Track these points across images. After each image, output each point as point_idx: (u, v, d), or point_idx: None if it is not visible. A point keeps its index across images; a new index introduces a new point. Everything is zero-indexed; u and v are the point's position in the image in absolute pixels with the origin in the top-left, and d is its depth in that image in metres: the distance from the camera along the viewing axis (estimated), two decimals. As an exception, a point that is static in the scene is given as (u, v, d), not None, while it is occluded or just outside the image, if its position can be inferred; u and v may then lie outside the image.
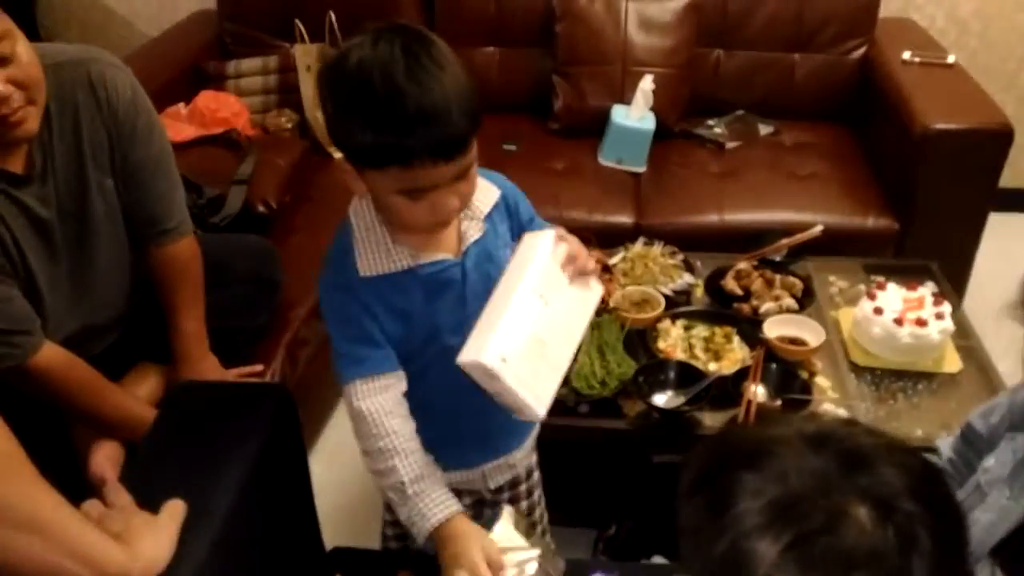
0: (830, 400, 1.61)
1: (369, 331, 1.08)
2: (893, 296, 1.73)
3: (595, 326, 1.69)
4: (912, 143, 2.22)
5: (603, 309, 1.75)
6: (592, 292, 1.15)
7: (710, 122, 2.63)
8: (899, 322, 1.66)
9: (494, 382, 1.02)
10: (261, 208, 2.12)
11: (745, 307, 1.79)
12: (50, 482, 0.91)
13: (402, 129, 0.92)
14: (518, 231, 1.18)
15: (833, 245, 2.05)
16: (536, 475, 1.41)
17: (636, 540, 1.68)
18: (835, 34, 2.61)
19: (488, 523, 1.14)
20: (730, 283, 1.85)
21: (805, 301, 1.81)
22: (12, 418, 0.95)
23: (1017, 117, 2.27)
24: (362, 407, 1.08)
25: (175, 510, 0.98)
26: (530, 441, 1.33)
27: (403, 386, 1.12)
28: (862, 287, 1.89)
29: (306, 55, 2.52)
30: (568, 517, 1.66)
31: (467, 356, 1.02)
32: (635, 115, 2.45)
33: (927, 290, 1.77)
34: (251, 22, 2.75)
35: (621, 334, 1.69)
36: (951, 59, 2.48)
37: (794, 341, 1.69)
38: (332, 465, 2.02)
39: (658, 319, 1.75)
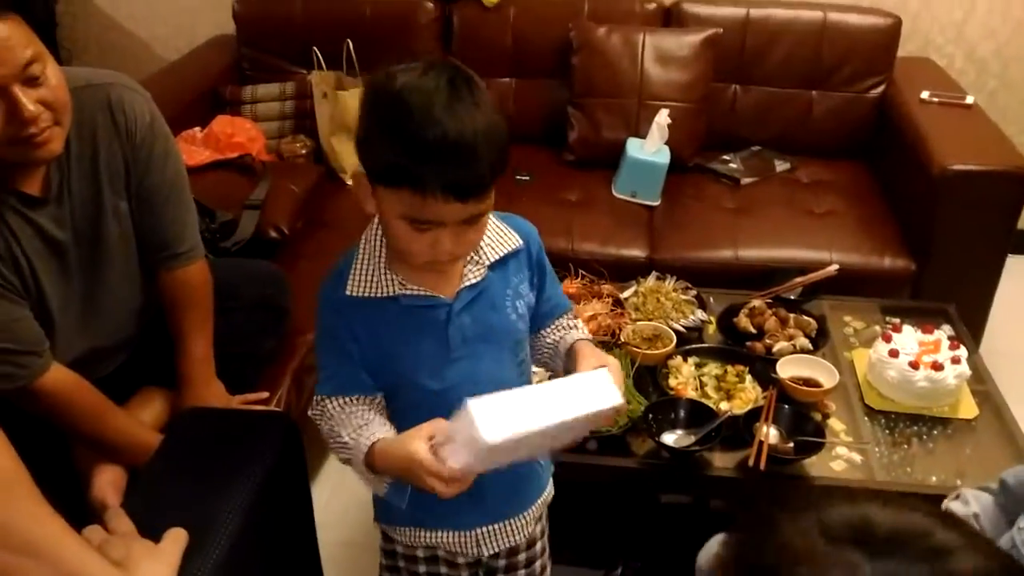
0: (843, 443, 1.59)
1: (348, 350, 1.07)
2: (909, 339, 1.71)
3: (605, 361, 1.67)
4: (930, 183, 2.21)
5: (614, 344, 1.74)
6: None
7: (725, 157, 2.63)
8: (915, 365, 1.64)
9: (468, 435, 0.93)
10: (273, 233, 2.12)
11: (758, 346, 1.77)
12: (51, 504, 0.90)
13: (425, 155, 0.92)
14: (539, 287, 1.16)
15: (849, 285, 2.04)
16: (539, 546, 1.31)
17: (643, 581, 1.65)
18: (853, 72, 2.61)
19: None
20: (743, 321, 1.84)
21: (819, 341, 1.79)
22: (14, 438, 0.94)
23: (1036, 159, 2.26)
24: (326, 406, 1.08)
25: (177, 538, 0.98)
26: (533, 510, 1.24)
27: (375, 410, 1.09)
28: (877, 328, 1.86)
29: (322, 82, 2.53)
30: (574, 556, 1.64)
31: (480, 417, 0.91)
32: (650, 148, 2.45)
33: (943, 333, 1.75)
34: (269, 48, 2.77)
35: (631, 370, 1.67)
36: (970, 100, 2.47)
37: (808, 382, 1.66)
38: (334, 495, 2.00)
39: (669, 355, 1.73)
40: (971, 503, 1.16)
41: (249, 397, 1.67)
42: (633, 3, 2.70)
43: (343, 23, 2.65)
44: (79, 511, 0.94)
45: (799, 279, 1.96)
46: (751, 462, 1.48)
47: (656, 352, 1.72)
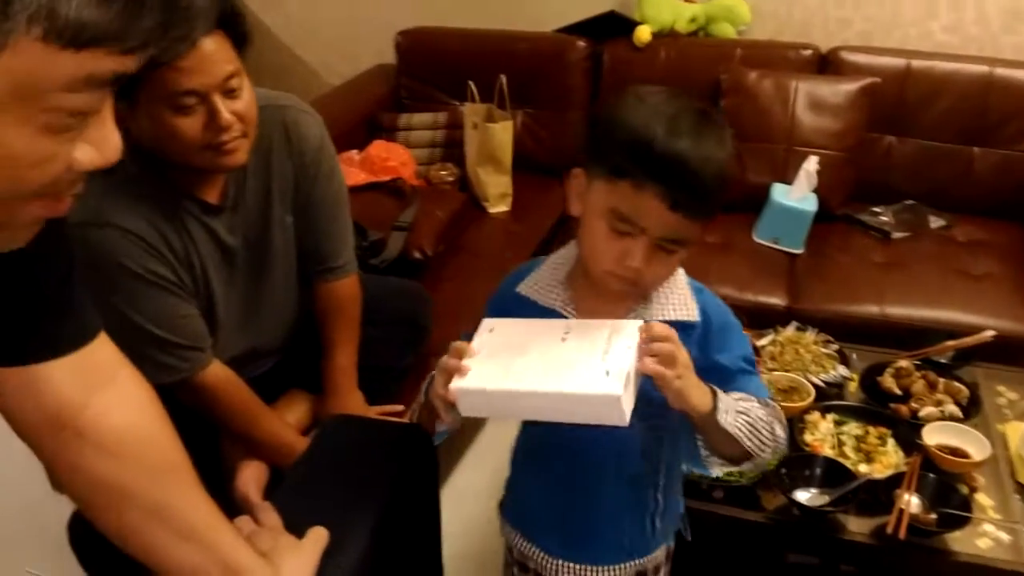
0: (991, 520, 1.49)
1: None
2: (1072, 416, 1.59)
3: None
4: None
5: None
6: None
7: (876, 209, 2.53)
8: (1078, 445, 1.52)
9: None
10: (417, 255, 2.21)
11: (903, 409, 1.69)
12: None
13: (659, 154, 0.94)
14: (707, 368, 1.04)
15: (1004, 353, 1.91)
16: None
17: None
18: (1019, 129, 2.48)
19: None
20: (888, 381, 1.76)
21: (970, 410, 1.69)
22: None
23: None
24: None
25: (318, 537, 1.02)
26: (625, 568, 1.18)
27: None
28: (1034, 401, 1.75)
29: (474, 114, 2.63)
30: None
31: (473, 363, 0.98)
32: (796, 195, 2.39)
33: (1110, 413, 1.62)
34: (426, 79, 2.91)
35: (765, 420, 1.63)
36: None
37: (955, 452, 1.57)
38: (457, 508, 2.03)
39: (806, 410, 1.68)
40: None
41: (386, 408, 1.73)
42: (787, 50, 2.67)
43: (498, 59, 2.74)
44: (221, 501, 1.00)
45: (951, 342, 1.86)
46: (889, 529, 1.41)
47: (793, 405, 1.67)
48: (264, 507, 1.08)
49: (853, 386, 1.80)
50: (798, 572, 1.80)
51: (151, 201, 1.36)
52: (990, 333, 1.86)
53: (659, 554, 1.23)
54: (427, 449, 1.29)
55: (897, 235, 2.43)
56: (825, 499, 1.48)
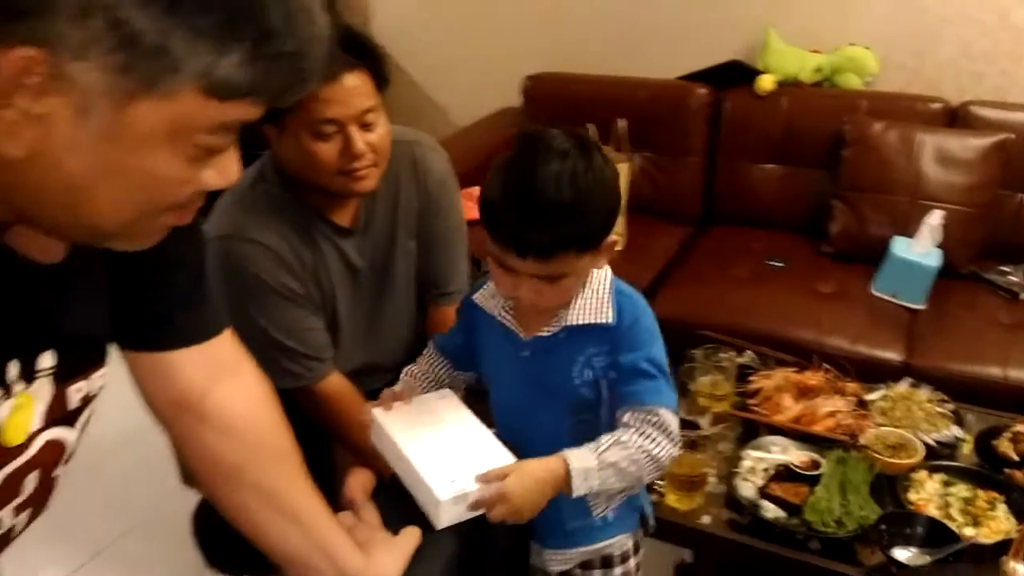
0: (1113, 601, 1.40)
1: (458, 330, 1.31)
2: None
3: (841, 461, 1.61)
4: None
5: (852, 446, 1.67)
6: None
7: (1005, 268, 2.44)
8: None
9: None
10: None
11: (1018, 475, 1.61)
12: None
13: (502, 206, 1.05)
14: (612, 366, 1.14)
15: None
16: None
17: None
18: None
19: None
20: (1004, 445, 1.69)
21: (1093, 482, 1.60)
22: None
23: None
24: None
25: (412, 535, 1.07)
26: (571, 554, 1.30)
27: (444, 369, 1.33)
28: None
29: (593, 155, 2.69)
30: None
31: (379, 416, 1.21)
32: (919, 249, 2.34)
33: None
34: (550, 122, 2.99)
35: (868, 475, 1.59)
36: None
37: (1074, 524, 1.49)
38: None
39: (914, 468, 1.63)
40: None
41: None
42: (915, 102, 2.63)
43: (619, 103, 2.82)
44: (330, 504, 1.08)
45: (1078, 410, 1.76)
46: (994, 598, 1.35)
47: (900, 461, 1.63)
48: (365, 506, 1.15)
49: (967, 448, 1.73)
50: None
51: (289, 220, 1.49)
52: (1124, 404, 1.76)
53: (621, 542, 1.32)
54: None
55: (1027, 296, 2.33)
56: (926, 559, 1.44)
